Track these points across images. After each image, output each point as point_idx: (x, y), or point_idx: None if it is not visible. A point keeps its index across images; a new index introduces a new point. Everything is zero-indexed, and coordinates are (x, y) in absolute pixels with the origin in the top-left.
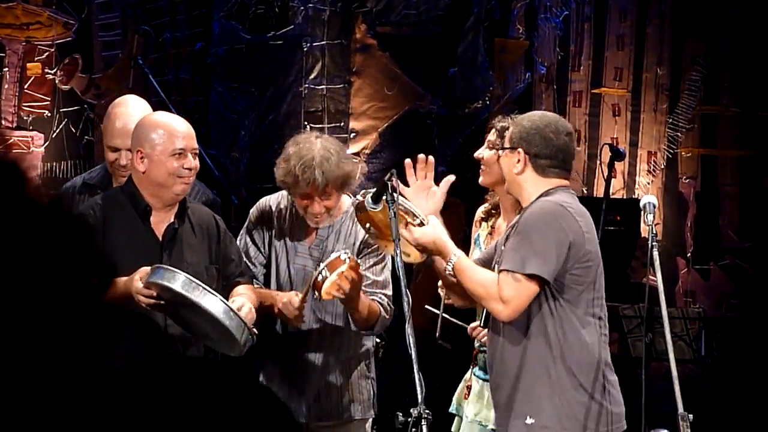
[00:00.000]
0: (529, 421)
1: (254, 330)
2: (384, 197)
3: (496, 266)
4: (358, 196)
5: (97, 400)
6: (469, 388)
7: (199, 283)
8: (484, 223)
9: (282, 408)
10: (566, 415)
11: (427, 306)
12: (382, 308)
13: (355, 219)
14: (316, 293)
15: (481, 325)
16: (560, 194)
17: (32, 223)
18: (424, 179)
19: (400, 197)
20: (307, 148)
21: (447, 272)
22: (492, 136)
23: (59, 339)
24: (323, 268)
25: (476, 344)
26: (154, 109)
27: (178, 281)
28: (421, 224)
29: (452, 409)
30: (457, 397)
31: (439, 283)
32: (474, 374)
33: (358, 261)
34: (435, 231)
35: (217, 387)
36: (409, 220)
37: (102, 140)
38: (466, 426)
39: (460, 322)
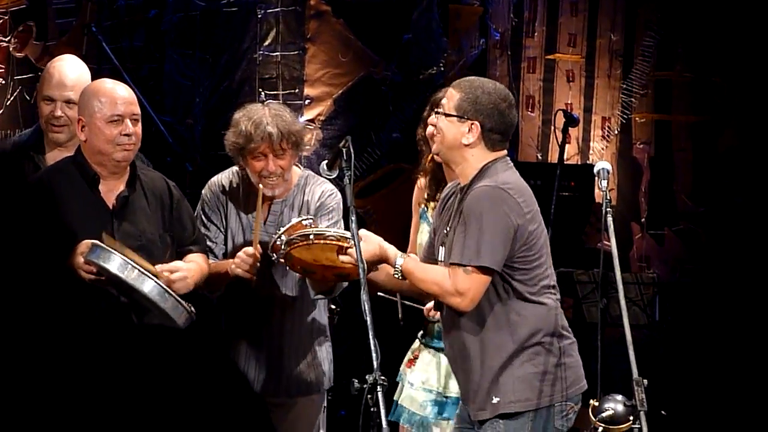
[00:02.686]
0: (494, 400)
1: (191, 308)
2: (339, 163)
3: (441, 248)
4: (279, 255)
5: (58, 371)
6: (415, 356)
7: (135, 265)
8: (430, 201)
9: (241, 380)
10: (530, 387)
11: (380, 293)
12: None
13: (306, 192)
14: (274, 256)
15: (434, 306)
16: (500, 172)
17: None
18: None
19: (329, 230)
20: (256, 110)
21: (395, 276)
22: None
23: (23, 311)
24: (282, 233)
25: (422, 306)
26: (108, 77)
27: (114, 263)
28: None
29: (399, 378)
30: (402, 366)
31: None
32: (425, 344)
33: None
34: (373, 243)
35: (178, 358)
36: (344, 244)
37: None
38: (410, 392)
39: (416, 305)
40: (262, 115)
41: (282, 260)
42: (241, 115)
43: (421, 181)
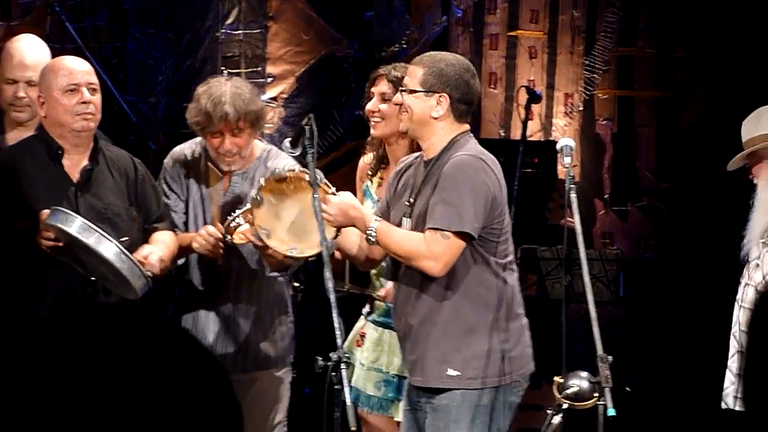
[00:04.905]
0: (452, 372)
1: (149, 274)
2: (302, 141)
3: (406, 220)
4: (252, 194)
5: (23, 348)
6: (361, 335)
7: (95, 227)
8: (373, 178)
9: (204, 355)
10: (487, 363)
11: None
12: None
13: (267, 165)
14: (229, 237)
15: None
16: (471, 144)
17: None
18: None
19: (314, 171)
20: (217, 86)
21: (369, 238)
22: (384, 87)
23: None
24: (238, 215)
25: (373, 293)
26: (71, 55)
27: (75, 224)
28: (334, 194)
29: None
30: (348, 345)
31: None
32: (371, 321)
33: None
34: (350, 199)
35: (139, 333)
36: (325, 189)
37: None
38: (362, 373)
39: (365, 291)
40: (221, 93)
41: (249, 205)
42: (203, 90)
43: (367, 157)
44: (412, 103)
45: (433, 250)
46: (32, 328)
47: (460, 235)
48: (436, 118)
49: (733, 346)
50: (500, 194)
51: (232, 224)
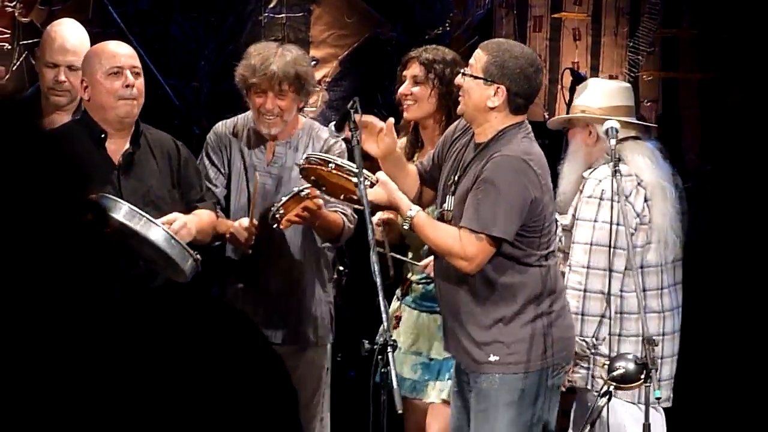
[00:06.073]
0: (492, 358)
1: (197, 257)
2: (347, 124)
3: (450, 197)
4: (300, 160)
5: (93, 336)
6: (397, 318)
7: (142, 213)
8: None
9: (254, 333)
10: (526, 348)
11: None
12: (345, 219)
13: (312, 136)
14: (276, 225)
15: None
16: (520, 140)
17: (35, 162)
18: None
19: (347, 163)
20: (268, 46)
21: (403, 226)
22: (416, 70)
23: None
24: (280, 205)
25: (409, 276)
26: (113, 40)
27: (121, 211)
28: (372, 185)
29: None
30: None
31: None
32: (406, 304)
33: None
34: (387, 188)
35: (187, 313)
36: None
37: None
38: (398, 356)
39: (406, 258)
40: (271, 53)
41: (300, 170)
42: (254, 49)
43: (402, 141)
44: (471, 89)
45: (466, 250)
46: (99, 311)
47: (494, 238)
48: (491, 108)
49: None
50: (541, 194)
51: (277, 215)
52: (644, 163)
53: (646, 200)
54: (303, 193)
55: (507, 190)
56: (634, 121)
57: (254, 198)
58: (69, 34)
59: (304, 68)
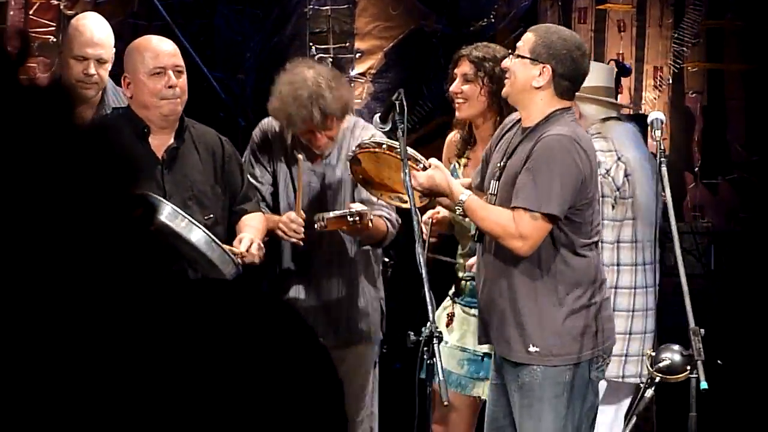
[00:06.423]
0: (533, 349)
1: (239, 261)
2: (392, 116)
3: (494, 182)
4: (350, 152)
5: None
6: (449, 315)
7: (184, 214)
8: (460, 159)
9: (304, 330)
10: (569, 341)
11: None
12: (389, 223)
13: (356, 133)
14: (318, 226)
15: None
16: (569, 123)
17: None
18: None
19: (404, 146)
20: (300, 82)
21: (457, 212)
22: (466, 68)
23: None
24: (324, 223)
25: (460, 274)
26: (158, 33)
27: (164, 211)
28: (425, 168)
29: None
30: (441, 326)
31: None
32: (458, 302)
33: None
34: (440, 173)
35: (236, 310)
36: (412, 165)
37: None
38: (446, 351)
39: (449, 259)
40: (305, 94)
41: (350, 162)
42: (286, 89)
43: (454, 136)
44: (517, 68)
45: (521, 229)
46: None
47: (548, 216)
48: (537, 88)
49: None
50: (590, 176)
51: (321, 223)
52: (627, 142)
53: (626, 175)
54: (350, 219)
55: (559, 168)
56: (615, 101)
57: (299, 194)
58: (97, 27)
59: (344, 98)
